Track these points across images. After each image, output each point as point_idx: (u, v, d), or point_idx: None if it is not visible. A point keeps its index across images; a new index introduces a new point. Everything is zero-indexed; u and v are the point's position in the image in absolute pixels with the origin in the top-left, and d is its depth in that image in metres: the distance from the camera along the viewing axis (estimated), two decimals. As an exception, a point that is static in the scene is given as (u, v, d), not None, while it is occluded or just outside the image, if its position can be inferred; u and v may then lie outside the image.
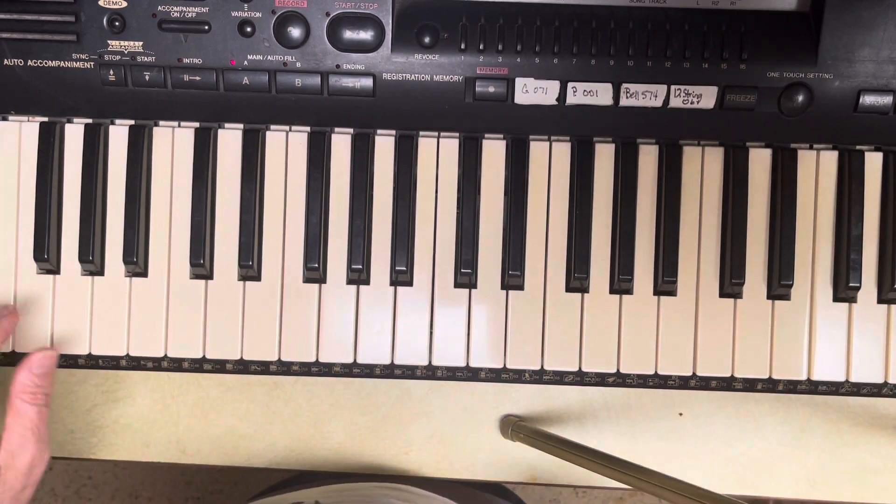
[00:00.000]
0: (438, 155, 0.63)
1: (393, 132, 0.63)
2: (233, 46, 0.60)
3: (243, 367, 0.64)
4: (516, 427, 0.64)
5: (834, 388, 0.63)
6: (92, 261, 0.62)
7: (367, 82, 0.60)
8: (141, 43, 0.60)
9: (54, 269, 0.63)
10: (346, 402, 0.67)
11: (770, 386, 0.63)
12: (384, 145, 0.63)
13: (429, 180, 0.63)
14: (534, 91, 0.60)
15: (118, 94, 0.61)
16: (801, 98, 0.60)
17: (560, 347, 0.63)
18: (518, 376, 0.64)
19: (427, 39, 0.59)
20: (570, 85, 0.60)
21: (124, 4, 0.59)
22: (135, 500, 1.57)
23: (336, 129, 0.63)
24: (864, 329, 0.63)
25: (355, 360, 0.63)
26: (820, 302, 0.63)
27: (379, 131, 0.63)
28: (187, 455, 0.67)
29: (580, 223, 0.62)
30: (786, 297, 0.63)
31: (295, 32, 0.59)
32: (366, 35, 0.59)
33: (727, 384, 0.63)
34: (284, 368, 0.63)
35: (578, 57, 0.60)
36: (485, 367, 0.63)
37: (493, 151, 0.63)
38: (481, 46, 0.59)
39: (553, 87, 0.60)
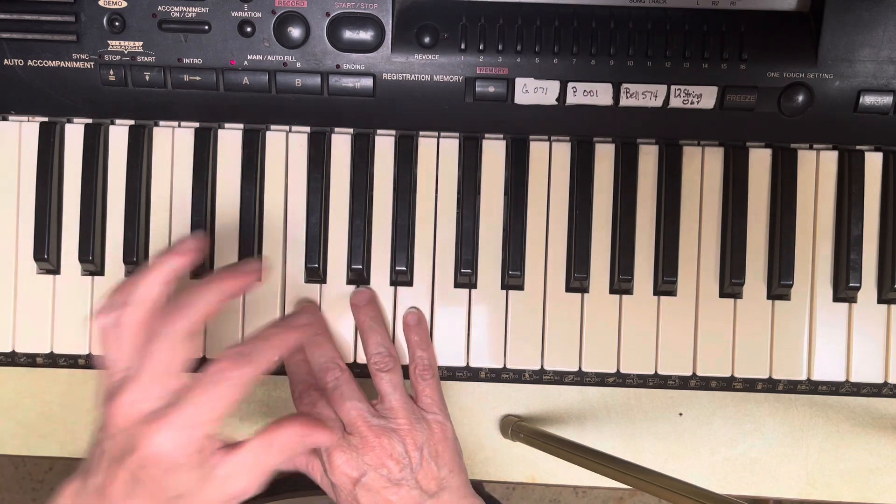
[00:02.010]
0: (438, 155, 0.63)
1: (393, 132, 0.63)
2: (233, 46, 0.60)
3: (243, 367, 0.63)
4: (516, 427, 0.64)
5: (834, 388, 0.63)
6: (92, 261, 0.62)
7: (367, 82, 0.60)
8: (141, 43, 0.60)
9: (54, 269, 0.63)
10: (346, 402, 0.67)
11: (770, 386, 0.63)
12: (384, 145, 0.63)
13: (429, 180, 0.63)
14: (534, 91, 0.60)
15: (118, 94, 0.61)
16: (801, 98, 0.60)
17: (560, 347, 0.63)
18: (518, 376, 0.64)
19: (427, 39, 0.59)
20: (570, 85, 0.60)
21: (124, 4, 0.59)
22: (135, 500, 1.56)
23: (336, 129, 0.63)
24: (864, 329, 0.63)
25: (355, 360, 0.63)
26: (820, 302, 0.63)
27: (379, 131, 0.63)
28: (187, 455, 0.67)
29: (580, 223, 0.62)
30: (786, 297, 0.63)
31: (295, 32, 0.59)
32: (366, 35, 0.59)
33: (727, 384, 0.63)
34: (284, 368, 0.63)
35: (578, 57, 0.60)
36: (485, 366, 0.63)
37: (493, 151, 0.63)
38: (481, 46, 0.59)
39: (553, 87, 0.60)
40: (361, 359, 0.63)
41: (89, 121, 0.63)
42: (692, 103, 0.60)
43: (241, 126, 0.63)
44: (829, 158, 0.63)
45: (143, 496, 0.46)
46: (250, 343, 0.49)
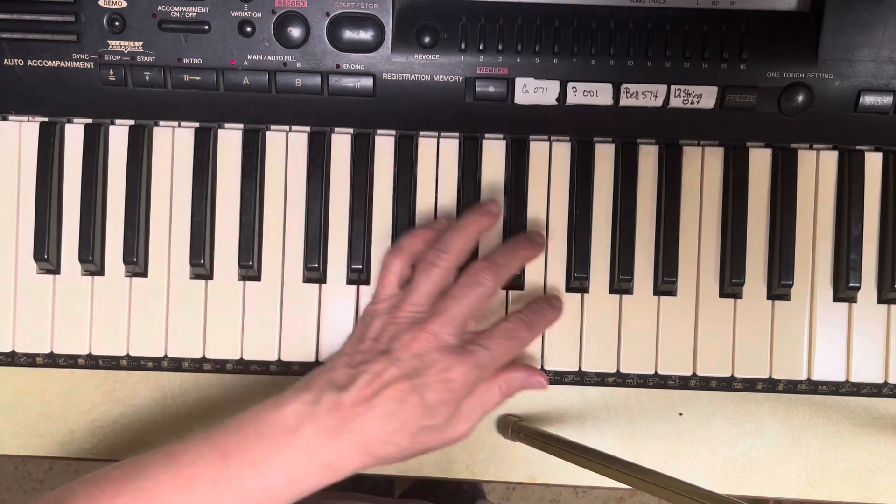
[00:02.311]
0: (438, 155, 0.63)
1: (393, 132, 0.63)
2: (233, 46, 0.60)
3: (243, 367, 0.64)
4: (516, 427, 0.64)
5: (834, 388, 0.63)
6: (92, 261, 0.62)
7: (367, 82, 0.60)
8: (141, 43, 0.60)
9: (54, 269, 0.63)
10: (346, 402, 0.67)
11: (770, 386, 0.63)
12: (384, 145, 0.63)
13: (429, 180, 0.63)
14: (534, 91, 0.60)
15: (118, 94, 0.61)
16: (801, 98, 0.60)
17: (560, 347, 0.63)
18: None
19: (427, 39, 0.59)
20: (570, 85, 0.60)
21: (124, 4, 0.59)
22: (135, 500, 1.56)
23: (336, 129, 0.63)
24: (864, 329, 0.63)
25: (355, 360, 0.63)
26: (820, 302, 0.63)
27: (379, 131, 0.63)
28: (187, 455, 0.67)
29: (580, 223, 0.62)
30: (786, 297, 0.63)
31: (295, 32, 0.59)
32: (366, 35, 0.59)
33: (727, 384, 0.63)
34: (284, 368, 0.64)
35: (578, 57, 0.60)
36: (485, 367, 0.63)
37: (493, 151, 0.63)
38: (481, 46, 0.60)
39: (553, 87, 0.60)
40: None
41: (89, 121, 0.63)
42: (692, 103, 0.60)
43: (241, 126, 0.63)
44: (829, 158, 0.63)
45: (401, 417, 0.51)
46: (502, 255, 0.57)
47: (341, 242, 0.63)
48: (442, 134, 0.63)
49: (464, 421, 0.55)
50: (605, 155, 0.63)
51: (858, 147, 0.63)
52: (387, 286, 0.57)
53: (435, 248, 0.56)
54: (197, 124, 0.63)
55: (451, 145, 0.63)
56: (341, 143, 0.63)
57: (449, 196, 0.63)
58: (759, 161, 0.63)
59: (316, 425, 0.51)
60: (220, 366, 0.64)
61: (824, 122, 0.61)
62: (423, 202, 0.63)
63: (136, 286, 0.63)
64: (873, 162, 0.63)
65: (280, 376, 0.66)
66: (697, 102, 0.60)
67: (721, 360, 0.63)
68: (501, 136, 0.63)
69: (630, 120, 0.61)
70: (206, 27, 0.59)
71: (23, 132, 0.63)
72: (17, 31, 0.59)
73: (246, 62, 0.60)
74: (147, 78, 0.60)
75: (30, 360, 0.64)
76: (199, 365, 0.64)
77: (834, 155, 0.63)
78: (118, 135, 0.63)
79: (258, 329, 0.63)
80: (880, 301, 0.63)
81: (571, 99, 0.60)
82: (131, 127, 0.63)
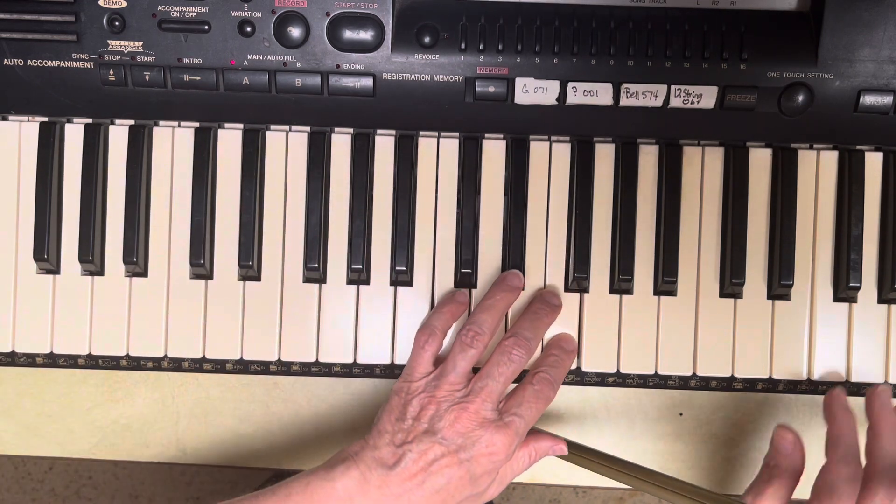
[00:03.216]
0: (438, 155, 0.63)
1: (393, 132, 0.63)
2: (233, 46, 0.60)
3: (243, 367, 0.64)
4: (516, 427, 0.64)
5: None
6: (92, 261, 0.62)
7: (367, 82, 0.60)
8: (141, 43, 0.60)
9: (54, 269, 0.63)
10: (346, 402, 0.67)
11: (770, 386, 0.63)
12: (384, 145, 0.63)
13: (429, 180, 0.63)
14: (534, 91, 0.60)
15: (118, 94, 0.61)
16: (801, 98, 0.60)
17: (560, 347, 0.63)
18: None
19: (427, 39, 0.59)
20: (570, 85, 0.60)
21: (124, 4, 0.59)
22: (135, 500, 1.57)
23: (336, 129, 0.63)
24: (864, 329, 0.63)
25: (355, 360, 0.63)
26: (820, 302, 0.63)
27: (379, 131, 0.63)
28: (187, 455, 0.67)
29: (580, 223, 0.62)
30: (786, 297, 0.63)
31: (295, 32, 0.59)
32: (366, 35, 0.59)
33: (727, 384, 0.63)
34: (284, 368, 0.63)
35: (578, 57, 0.60)
36: (485, 367, 0.63)
37: (493, 151, 0.63)
38: (481, 46, 0.59)
39: (553, 87, 0.60)
40: (361, 359, 0.63)
41: (89, 121, 0.63)
42: (692, 103, 0.60)
43: (241, 126, 0.63)
44: (829, 158, 0.63)
45: (448, 490, 0.55)
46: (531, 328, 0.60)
47: (341, 242, 0.63)
48: (442, 134, 0.63)
49: (498, 484, 0.58)
50: (605, 155, 0.63)
51: (858, 147, 0.63)
52: (422, 364, 0.58)
53: (471, 330, 0.58)
54: (197, 124, 0.63)
55: (451, 145, 0.63)
56: (341, 143, 0.63)
57: (449, 196, 0.63)
58: (759, 161, 0.63)
59: (367, 499, 0.53)
60: (220, 366, 0.64)
61: (824, 122, 0.61)
62: (423, 202, 0.63)
63: (136, 286, 0.63)
64: (873, 162, 0.63)
65: (280, 376, 0.66)
66: (697, 102, 0.60)
67: (721, 360, 0.63)
68: (501, 136, 0.63)
69: (630, 120, 0.61)
70: (206, 27, 0.59)
71: (23, 132, 0.63)
72: (17, 31, 0.59)
73: (246, 62, 0.60)
74: (147, 78, 0.60)
75: (30, 360, 0.64)
76: (199, 365, 0.64)
77: (834, 155, 0.63)
78: (118, 135, 0.63)
79: (258, 329, 0.63)
80: (880, 301, 0.63)
81: (571, 99, 0.60)
82: (131, 127, 0.63)
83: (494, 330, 0.59)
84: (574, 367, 0.63)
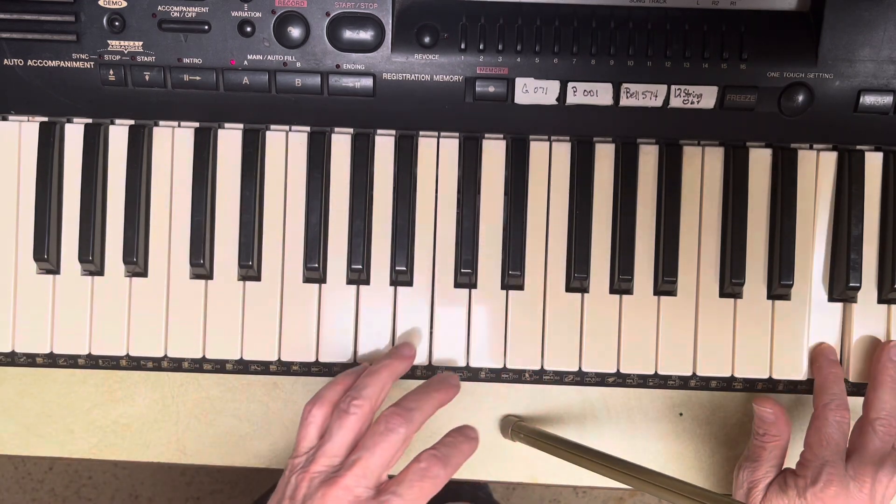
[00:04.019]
0: (438, 155, 0.63)
1: (393, 132, 0.63)
2: (233, 46, 0.60)
3: (243, 367, 0.64)
4: (516, 427, 0.64)
5: (834, 388, 0.63)
6: (92, 261, 0.62)
7: (367, 82, 0.60)
8: (141, 43, 0.60)
9: (54, 269, 0.63)
10: (346, 402, 0.67)
11: (770, 386, 0.63)
12: (384, 145, 0.63)
13: (429, 180, 0.63)
14: (534, 91, 0.60)
15: (118, 94, 0.61)
16: (801, 98, 0.60)
17: (560, 347, 0.63)
18: (518, 376, 0.64)
19: (427, 39, 0.59)
20: (570, 85, 0.60)
21: (124, 4, 0.59)
22: (135, 500, 1.57)
23: (336, 129, 0.63)
24: (864, 329, 0.63)
25: (355, 360, 0.63)
26: (820, 302, 0.63)
27: (379, 131, 0.63)
28: (187, 455, 0.67)
29: (580, 223, 0.63)
30: (786, 297, 0.63)
31: (295, 32, 0.59)
32: (366, 35, 0.59)
33: (727, 384, 0.63)
34: (284, 368, 0.64)
35: (578, 57, 0.60)
36: (485, 367, 0.63)
37: (493, 151, 0.63)
38: (481, 46, 0.60)
39: (553, 87, 0.60)
40: (361, 359, 0.63)
41: (89, 121, 0.63)
42: (692, 103, 0.60)
43: (241, 126, 0.63)
44: (829, 158, 0.63)
45: None
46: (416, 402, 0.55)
47: (341, 242, 0.63)
48: (442, 134, 0.63)
49: None
50: (605, 155, 0.63)
51: (858, 147, 0.63)
52: (305, 438, 0.55)
53: (349, 396, 0.54)
54: (197, 124, 0.63)
55: (451, 145, 0.63)
56: (341, 143, 0.63)
57: (449, 196, 0.63)
58: (759, 161, 0.63)
59: None
60: (220, 366, 0.64)
61: (824, 122, 0.61)
62: (423, 202, 0.63)
63: (136, 286, 0.63)
64: (873, 162, 0.63)
65: (280, 376, 0.66)
66: (697, 102, 0.60)
67: (721, 360, 0.63)
68: (501, 136, 0.63)
69: (630, 120, 0.61)
70: (206, 27, 0.59)
71: (23, 132, 0.63)
72: (17, 31, 0.59)
73: (246, 62, 0.60)
74: (147, 78, 0.60)
75: (30, 360, 0.64)
76: (199, 365, 0.64)
77: (834, 155, 0.63)
78: (118, 135, 0.63)
79: (258, 329, 0.63)
80: (880, 301, 0.63)
81: (571, 99, 0.60)
82: (131, 127, 0.63)
83: (378, 398, 0.55)
84: (574, 367, 0.63)
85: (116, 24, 0.59)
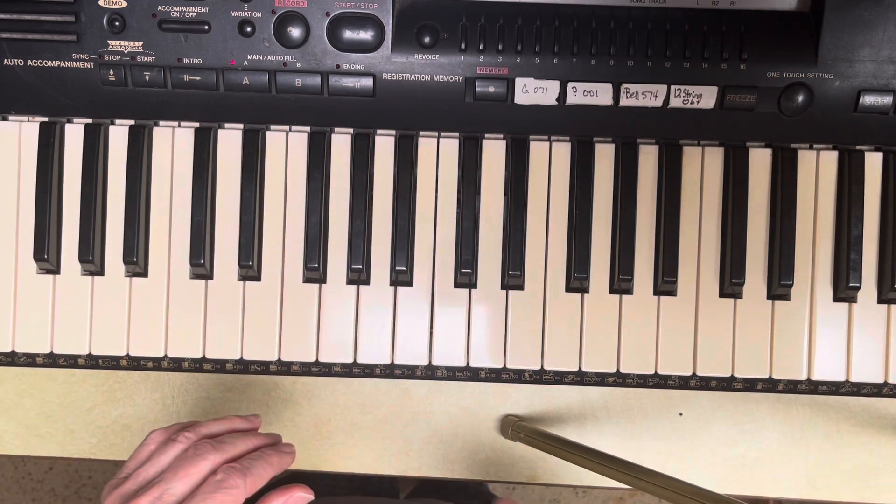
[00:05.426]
0: (438, 155, 0.63)
1: (393, 132, 0.63)
2: (233, 46, 0.60)
3: (243, 367, 0.64)
4: (516, 427, 0.64)
5: (834, 388, 0.63)
6: (92, 261, 0.62)
7: (367, 82, 0.60)
8: (141, 43, 0.60)
9: (54, 269, 0.63)
10: (346, 402, 0.67)
11: (770, 386, 0.63)
12: (384, 145, 0.63)
13: (429, 180, 0.63)
14: (534, 91, 0.60)
15: (118, 94, 0.61)
16: (801, 98, 0.60)
17: (560, 347, 0.63)
18: (518, 376, 0.64)
19: (427, 39, 0.59)
20: (570, 85, 0.60)
21: (124, 4, 0.59)
22: (135, 500, 1.56)
23: (336, 129, 0.63)
24: (864, 329, 0.63)
25: (355, 360, 0.63)
26: (820, 302, 0.63)
27: (379, 131, 0.63)
28: (187, 455, 0.67)
29: (580, 223, 0.62)
30: (786, 297, 0.63)
31: (295, 32, 0.59)
32: (366, 35, 0.59)
33: (727, 384, 0.63)
34: (284, 368, 0.64)
35: (578, 57, 0.60)
36: (485, 367, 0.63)
37: (493, 151, 0.63)
38: (481, 46, 0.59)
39: (553, 87, 0.60)
40: (360, 359, 0.63)
41: (89, 121, 0.63)
42: (692, 103, 0.60)
43: (241, 126, 0.63)
44: (829, 158, 0.63)
45: None
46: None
47: (341, 242, 0.63)
48: (442, 134, 0.63)
49: None
50: (605, 155, 0.63)
51: (858, 147, 0.63)
52: (134, 458, 0.53)
53: (184, 428, 0.54)
54: (197, 124, 0.63)
55: (451, 145, 0.63)
56: (341, 143, 0.63)
57: (449, 196, 0.63)
58: (759, 161, 0.63)
59: None
60: (220, 366, 0.64)
61: (824, 122, 0.61)
62: (423, 202, 0.63)
63: (136, 286, 0.63)
64: (873, 162, 0.63)
65: (280, 376, 0.66)
66: (697, 102, 0.60)
67: (721, 360, 0.63)
68: (501, 136, 0.63)
69: (630, 120, 0.61)
70: (206, 27, 0.59)
71: (23, 132, 0.63)
72: (17, 31, 0.59)
73: (246, 62, 0.60)
74: (147, 78, 0.60)
75: (30, 360, 0.64)
76: (199, 365, 0.64)
77: (834, 155, 0.63)
78: (118, 135, 0.63)
79: (258, 329, 0.63)
80: (880, 301, 0.63)
81: (571, 99, 0.60)
82: (131, 127, 0.63)
83: (209, 434, 0.54)
84: (574, 367, 0.63)
85: (116, 24, 0.59)
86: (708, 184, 0.63)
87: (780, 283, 0.61)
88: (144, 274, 0.63)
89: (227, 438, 0.54)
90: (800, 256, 0.62)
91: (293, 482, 0.55)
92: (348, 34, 0.59)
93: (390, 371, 0.63)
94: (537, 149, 0.63)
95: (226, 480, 0.50)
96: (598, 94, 0.60)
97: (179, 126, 0.63)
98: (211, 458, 0.51)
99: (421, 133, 0.63)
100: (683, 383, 0.63)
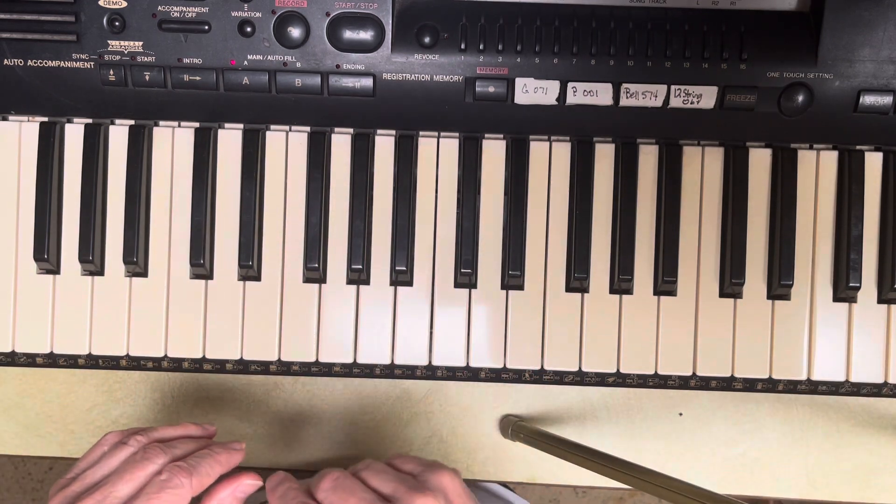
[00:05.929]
0: (438, 155, 0.63)
1: (393, 132, 0.63)
2: (233, 46, 0.60)
3: (243, 367, 0.64)
4: (516, 427, 0.64)
5: (834, 388, 0.63)
6: (92, 261, 0.62)
7: (367, 82, 0.60)
8: (141, 43, 0.60)
9: (54, 269, 0.63)
10: (346, 402, 0.67)
11: (770, 386, 0.63)
12: (384, 145, 0.63)
13: (429, 180, 0.63)
14: (534, 91, 0.60)
15: (118, 94, 0.61)
16: (801, 98, 0.60)
17: (560, 347, 0.63)
18: (518, 376, 0.64)
19: (427, 39, 0.59)
20: (570, 85, 0.60)
21: (124, 4, 0.59)
22: (135, 500, 1.56)
23: (336, 129, 0.63)
24: (864, 329, 0.63)
25: (355, 360, 0.63)
26: (820, 302, 0.63)
27: (379, 131, 0.63)
28: (187, 455, 0.67)
29: (580, 223, 0.62)
30: (786, 297, 0.63)
31: (295, 32, 0.59)
32: (366, 35, 0.59)
33: (727, 384, 0.63)
34: (284, 368, 0.64)
35: (578, 57, 0.60)
36: (485, 367, 0.63)
37: (493, 151, 0.63)
38: (481, 46, 0.59)
39: (553, 87, 0.60)
40: (360, 359, 0.63)
41: (89, 121, 0.63)
42: (692, 103, 0.60)
43: (241, 126, 0.63)
44: (829, 158, 0.63)
45: None
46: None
47: (341, 242, 0.63)
48: (442, 134, 0.63)
49: None
50: (605, 155, 0.63)
51: (858, 147, 0.63)
52: (84, 459, 0.53)
53: (135, 432, 0.53)
54: (197, 124, 0.63)
55: (451, 145, 0.63)
56: (341, 143, 0.63)
57: (449, 196, 0.63)
58: (759, 161, 0.63)
59: None
60: (220, 366, 0.64)
61: (824, 122, 0.61)
62: (423, 202, 0.63)
63: (136, 286, 0.63)
64: (873, 162, 0.63)
65: (280, 376, 0.66)
66: (697, 102, 0.60)
67: (721, 360, 0.63)
68: (501, 136, 0.63)
69: (630, 120, 0.61)
70: (206, 27, 0.59)
71: (23, 132, 0.63)
72: (17, 31, 0.59)
73: (246, 62, 0.60)
74: (147, 78, 0.60)
75: (30, 360, 0.64)
76: (199, 365, 0.64)
77: (834, 155, 0.63)
78: (118, 135, 0.63)
79: (258, 329, 0.63)
80: (880, 301, 0.63)
81: (571, 99, 0.60)
82: (131, 127, 0.63)
83: (162, 439, 0.54)
84: (574, 367, 0.63)
85: (116, 24, 0.59)
86: (708, 184, 0.63)
87: (780, 283, 0.61)
88: (144, 274, 0.63)
89: (178, 444, 0.53)
90: (800, 256, 0.62)
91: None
92: (348, 34, 0.59)
93: (390, 371, 0.63)
94: (537, 149, 0.63)
95: (171, 480, 0.50)
96: (598, 94, 0.60)
97: (179, 126, 0.63)
98: (159, 462, 0.51)
99: (421, 133, 0.63)
100: (683, 383, 0.63)
